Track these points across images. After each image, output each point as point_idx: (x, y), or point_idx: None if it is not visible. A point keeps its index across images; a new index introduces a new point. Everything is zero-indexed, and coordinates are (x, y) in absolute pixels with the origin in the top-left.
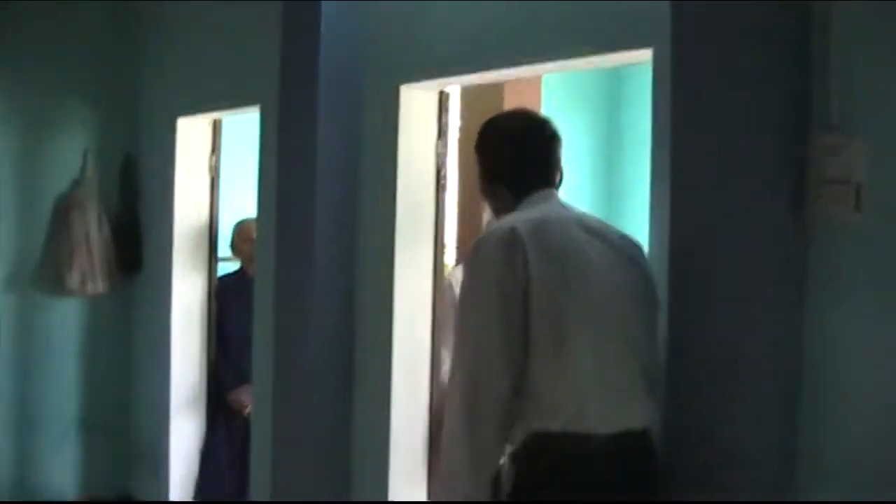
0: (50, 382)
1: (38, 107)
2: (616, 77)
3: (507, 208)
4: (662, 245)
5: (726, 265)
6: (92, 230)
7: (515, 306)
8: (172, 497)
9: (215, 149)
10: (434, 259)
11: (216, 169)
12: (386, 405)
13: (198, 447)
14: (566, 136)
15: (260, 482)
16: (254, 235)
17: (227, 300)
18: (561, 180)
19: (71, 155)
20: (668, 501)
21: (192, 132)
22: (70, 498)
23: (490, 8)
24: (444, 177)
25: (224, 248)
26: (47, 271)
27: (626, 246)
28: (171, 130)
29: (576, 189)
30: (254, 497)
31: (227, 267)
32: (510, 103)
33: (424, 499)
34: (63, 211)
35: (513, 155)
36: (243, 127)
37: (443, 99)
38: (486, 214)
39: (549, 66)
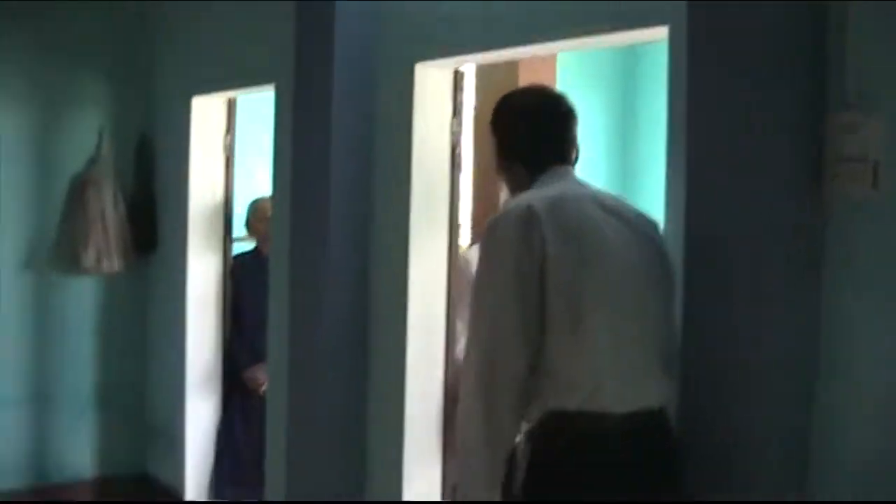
0: (66, 361)
1: (53, 85)
2: (631, 55)
3: (523, 186)
4: (678, 223)
5: (743, 243)
6: (107, 209)
7: (532, 284)
8: (188, 474)
9: (230, 128)
10: (449, 238)
11: (231, 148)
12: (400, 383)
13: (213, 425)
14: (581, 114)
15: (275, 460)
16: (269, 214)
17: (242, 279)
18: (577, 157)
19: (86, 133)
20: (683, 481)
21: (207, 111)
22: (86, 476)
23: None
24: (459, 155)
25: (239, 228)
26: (63, 250)
27: (642, 223)
28: (186, 109)
29: (591, 167)
30: (269, 475)
31: (242, 246)
32: (525, 81)
33: (439, 476)
34: (79, 189)
35: (528, 131)
36: (258, 106)
37: (458, 77)
38: (504, 194)
39: (564, 44)
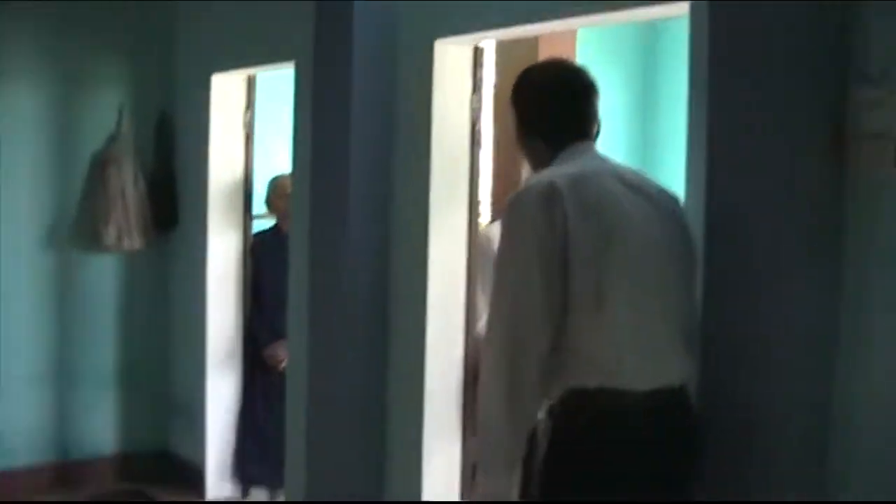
0: (87, 338)
1: (74, 64)
2: (652, 31)
3: (544, 161)
4: (698, 199)
5: (763, 219)
6: (128, 187)
7: (554, 261)
8: (209, 450)
9: (250, 105)
10: (469, 215)
11: (251, 125)
12: (420, 361)
13: (234, 402)
14: (601, 89)
15: (295, 437)
16: (289, 191)
17: (262, 256)
18: (598, 132)
19: (106, 111)
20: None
21: (226, 88)
22: (107, 452)
23: None
24: (479, 132)
25: (259, 205)
26: (84, 228)
27: (663, 199)
28: (206, 87)
29: (611, 142)
30: (288, 453)
31: (262, 223)
32: (545, 57)
33: (459, 454)
34: (99, 167)
35: (549, 106)
36: (278, 83)
37: (477, 54)
38: (525, 171)
39: (585, 19)
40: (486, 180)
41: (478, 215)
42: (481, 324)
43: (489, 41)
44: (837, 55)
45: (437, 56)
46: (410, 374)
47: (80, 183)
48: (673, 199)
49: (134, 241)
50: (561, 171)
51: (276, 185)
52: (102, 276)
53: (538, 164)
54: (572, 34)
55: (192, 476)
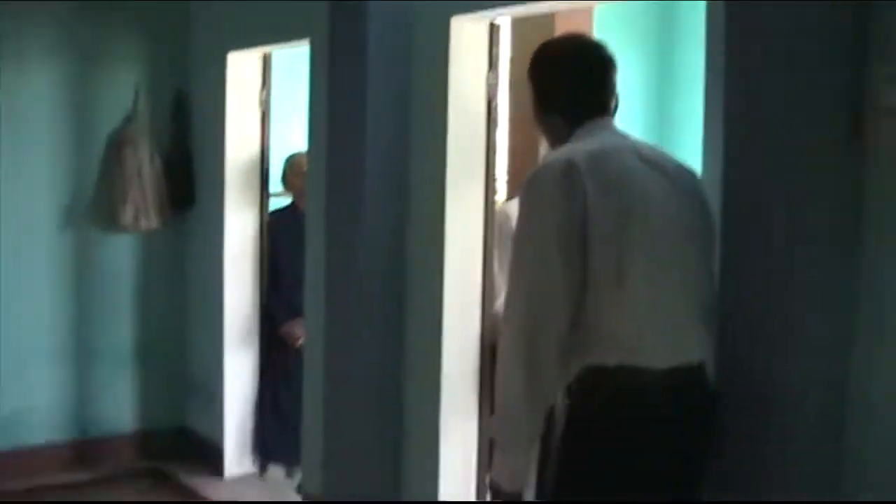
0: (106, 317)
1: (89, 43)
2: (669, 6)
3: (562, 137)
4: (716, 175)
5: (781, 196)
6: (144, 166)
7: (573, 238)
8: (226, 427)
9: (266, 83)
10: (485, 192)
11: (267, 103)
12: (437, 339)
13: (251, 379)
14: (618, 65)
15: (312, 415)
16: (305, 169)
17: (278, 235)
18: (617, 107)
19: (123, 91)
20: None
21: (242, 67)
22: (126, 430)
23: None
24: (495, 109)
25: (275, 183)
26: (101, 208)
27: (682, 175)
28: (222, 65)
29: (628, 119)
30: (306, 431)
31: (279, 202)
32: (561, 34)
33: (476, 432)
34: (116, 147)
35: (567, 81)
36: (294, 61)
37: (494, 30)
38: (543, 147)
39: None
40: (503, 157)
41: (494, 192)
42: (499, 301)
43: (505, 18)
44: (857, 30)
45: (453, 33)
46: (427, 352)
47: (97, 163)
48: (692, 175)
49: (151, 221)
50: (580, 147)
51: (292, 163)
52: (120, 255)
53: (556, 140)
54: (589, 10)
55: (210, 453)
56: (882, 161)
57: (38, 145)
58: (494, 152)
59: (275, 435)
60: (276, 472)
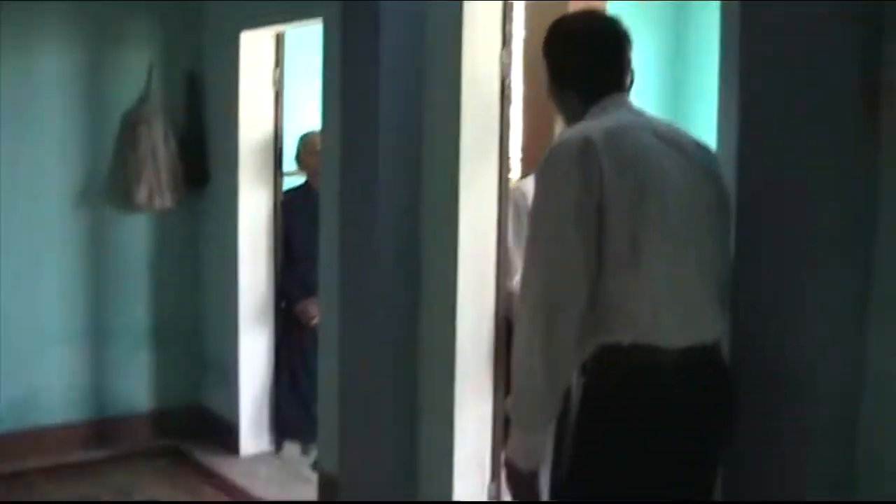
0: (121, 296)
1: (102, 23)
2: None
3: (577, 114)
4: (731, 153)
5: (795, 174)
6: (158, 146)
7: (590, 216)
8: (242, 405)
9: (279, 62)
10: (499, 170)
11: (280, 82)
12: (452, 317)
13: (266, 357)
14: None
15: (327, 393)
16: (318, 148)
17: (292, 213)
18: (632, 82)
19: (136, 70)
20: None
21: (255, 46)
22: (142, 409)
23: None
24: (509, 87)
25: (289, 162)
26: (116, 187)
27: (698, 152)
28: (235, 44)
29: (642, 97)
30: (321, 410)
31: (293, 181)
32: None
33: (490, 410)
34: (130, 127)
35: (582, 57)
36: (307, 39)
37: (507, 8)
38: (559, 125)
39: None
40: (517, 135)
41: (508, 170)
42: (516, 279)
43: None
44: (871, 7)
45: (466, 10)
46: (442, 330)
47: (112, 143)
48: (708, 152)
49: (165, 200)
50: (596, 124)
51: (305, 141)
52: (135, 235)
53: (572, 116)
54: None
55: (226, 431)
56: None
57: (53, 126)
58: (508, 130)
59: (290, 413)
60: (291, 449)
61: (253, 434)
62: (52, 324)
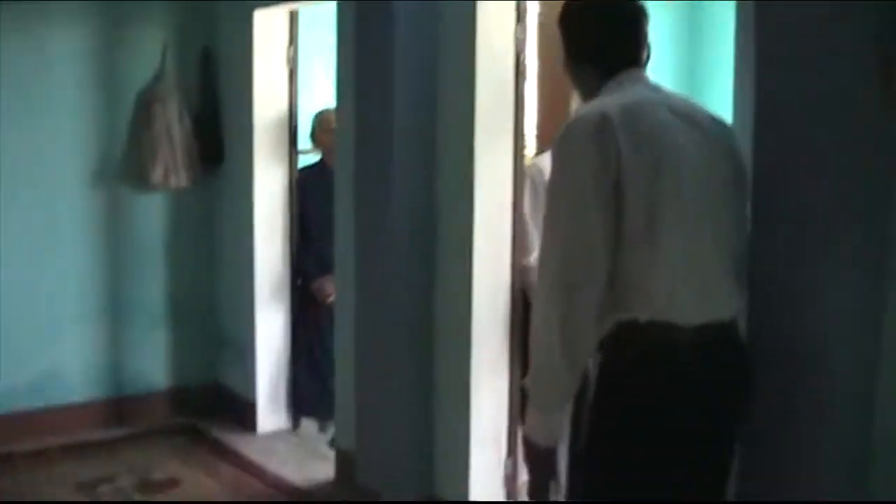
0: (137, 275)
1: (116, 1)
2: None
3: (593, 89)
4: (746, 131)
5: (811, 149)
6: (173, 125)
7: (607, 192)
8: (258, 383)
9: (293, 40)
10: (514, 147)
11: (294, 60)
12: (467, 294)
13: (282, 335)
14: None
15: (344, 370)
16: (333, 126)
17: (308, 191)
18: (648, 57)
19: (150, 49)
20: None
21: (269, 23)
22: (160, 387)
23: None
24: (524, 63)
25: (304, 140)
26: (131, 167)
27: (715, 128)
28: (249, 22)
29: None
30: (338, 387)
31: (308, 159)
32: None
33: (507, 387)
34: (145, 106)
35: (598, 31)
36: (321, 17)
37: None
38: (575, 101)
39: None
40: (531, 111)
41: (523, 147)
42: (533, 256)
43: None
44: None
45: None
46: (457, 307)
47: (127, 122)
48: (724, 127)
49: (181, 179)
50: (612, 100)
51: (320, 119)
52: (150, 213)
53: (588, 92)
54: None
55: (243, 409)
56: None
57: (68, 105)
58: (523, 106)
59: (307, 390)
60: (308, 426)
61: (270, 411)
62: (69, 303)
